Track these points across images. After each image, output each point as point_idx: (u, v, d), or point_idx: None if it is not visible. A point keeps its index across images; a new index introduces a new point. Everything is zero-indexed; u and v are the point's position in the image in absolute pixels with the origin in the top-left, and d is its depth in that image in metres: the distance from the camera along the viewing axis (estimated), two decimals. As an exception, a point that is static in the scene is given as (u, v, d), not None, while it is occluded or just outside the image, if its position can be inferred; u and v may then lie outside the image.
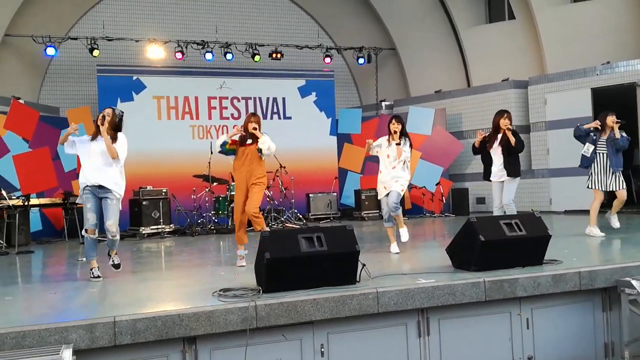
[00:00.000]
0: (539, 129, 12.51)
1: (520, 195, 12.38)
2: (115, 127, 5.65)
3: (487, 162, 7.20)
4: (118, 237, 5.67)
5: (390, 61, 15.32)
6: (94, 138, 5.62)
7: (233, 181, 11.24)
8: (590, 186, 7.53)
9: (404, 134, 6.76)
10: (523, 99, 12.87)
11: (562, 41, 12.54)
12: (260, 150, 6.17)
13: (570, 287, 4.88)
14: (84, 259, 7.56)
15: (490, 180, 7.14)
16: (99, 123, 5.55)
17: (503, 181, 7.03)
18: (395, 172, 6.72)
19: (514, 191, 6.96)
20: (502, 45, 13.56)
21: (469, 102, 13.56)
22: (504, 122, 7.00)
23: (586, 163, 7.55)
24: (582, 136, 7.61)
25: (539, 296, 4.84)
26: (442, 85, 14.17)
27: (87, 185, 5.53)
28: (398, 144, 6.66)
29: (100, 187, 5.51)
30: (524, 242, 5.09)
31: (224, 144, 6.24)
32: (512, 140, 6.90)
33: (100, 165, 5.52)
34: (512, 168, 6.97)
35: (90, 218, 5.51)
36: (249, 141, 6.20)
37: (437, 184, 12.92)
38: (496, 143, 7.05)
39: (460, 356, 4.65)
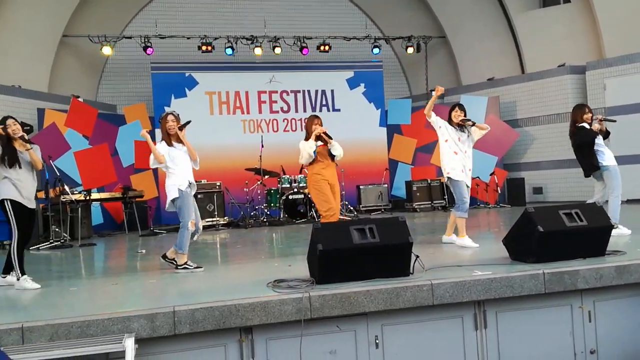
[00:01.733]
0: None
1: (581, 184, 12.01)
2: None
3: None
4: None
5: (440, 49, 15.05)
6: (169, 144, 5.80)
7: (284, 173, 11.39)
8: None
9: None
10: (580, 85, 12.40)
11: (620, 24, 11.98)
12: (332, 157, 6.37)
13: (635, 278, 4.68)
14: (143, 251, 7.85)
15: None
16: (173, 131, 5.76)
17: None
18: (468, 157, 6.48)
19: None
20: (557, 30, 13.08)
21: (524, 90, 13.18)
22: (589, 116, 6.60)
23: None
24: None
25: (601, 288, 4.66)
26: (495, 73, 13.81)
27: (188, 185, 5.77)
28: (473, 124, 6.45)
29: (192, 184, 5.82)
30: (585, 232, 4.91)
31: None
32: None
33: (187, 167, 5.82)
34: None
35: (192, 214, 5.77)
36: (319, 143, 6.37)
37: (491, 174, 12.63)
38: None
39: (519, 350, 4.54)
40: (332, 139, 6.37)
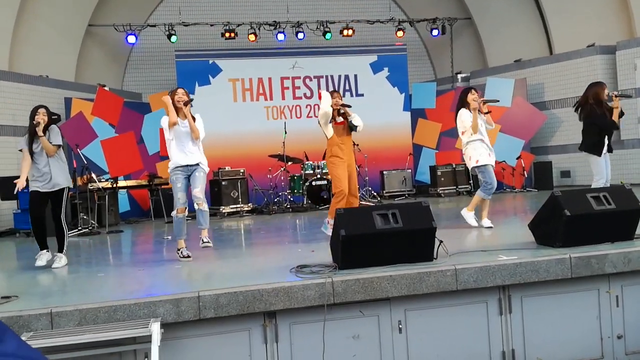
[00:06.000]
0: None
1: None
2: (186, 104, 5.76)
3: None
4: (206, 207, 5.71)
5: (465, 31, 14.80)
6: (173, 122, 5.76)
7: (307, 160, 11.39)
8: None
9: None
10: (611, 65, 12.08)
11: (654, 0, 11.61)
12: (354, 128, 6.26)
13: (666, 263, 4.57)
14: (169, 237, 7.94)
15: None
16: (179, 104, 5.68)
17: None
18: (488, 141, 6.56)
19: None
20: (587, 9, 12.71)
21: (552, 71, 12.89)
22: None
23: None
24: None
25: (629, 273, 4.58)
26: (522, 54, 13.53)
27: (177, 166, 5.70)
28: (488, 112, 6.53)
29: (189, 165, 5.70)
30: (613, 216, 4.81)
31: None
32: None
33: (189, 144, 5.70)
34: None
35: (180, 197, 5.67)
36: (340, 119, 6.30)
37: (517, 158, 12.44)
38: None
39: (544, 335, 4.49)
40: (350, 106, 6.30)
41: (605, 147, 6.48)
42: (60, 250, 5.71)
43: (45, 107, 5.74)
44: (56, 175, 5.61)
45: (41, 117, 5.59)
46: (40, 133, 5.53)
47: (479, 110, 6.48)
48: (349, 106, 6.32)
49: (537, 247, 4.95)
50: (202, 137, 5.75)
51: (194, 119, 5.75)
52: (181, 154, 5.69)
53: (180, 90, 5.83)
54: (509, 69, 13.48)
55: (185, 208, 5.70)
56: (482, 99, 6.60)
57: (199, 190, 5.64)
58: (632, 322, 4.62)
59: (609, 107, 6.50)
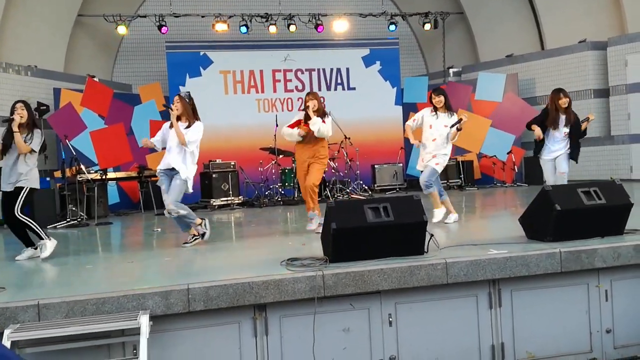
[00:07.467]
0: (619, 93, 11.78)
1: (599, 162, 11.82)
2: (193, 110, 5.87)
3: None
4: (181, 212, 5.74)
5: (457, 26, 14.79)
6: (172, 125, 5.82)
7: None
8: None
9: (448, 107, 6.61)
10: (602, 61, 12.12)
11: (645, -3, 11.66)
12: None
13: (655, 258, 4.60)
14: (159, 229, 7.90)
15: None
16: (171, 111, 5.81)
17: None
18: (435, 145, 6.52)
19: None
20: (578, 5, 12.73)
21: (543, 66, 12.92)
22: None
23: None
24: None
25: (619, 267, 4.60)
26: (514, 49, 13.54)
27: (160, 169, 5.86)
28: (458, 129, 6.51)
29: (172, 169, 5.76)
30: (603, 211, 4.82)
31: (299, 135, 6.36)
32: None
33: (174, 149, 5.77)
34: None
35: (164, 199, 5.84)
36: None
37: (508, 153, 12.48)
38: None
39: (533, 328, 4.51)
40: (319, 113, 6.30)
41: (549, 150, 6.57)
42: (41, 238, 5.59)
43: (24, 102, 5.60)
44: (18, 175, 5.47)
45: (19, 113, 5.46)
46: (15, 129, 5.41)
47: (436, 110, 6.60)
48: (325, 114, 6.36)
49: (528, 241, 4.96)
50: (191, 146, 5.76)
51: (189, 125, 5.80)
52: (165, 157, 5.83)
53: (175, 98, 5.92)
54: (501, 64, 13.50)
55: None
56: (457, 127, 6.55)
57: (171, 200, 5.71)
58: (621, 316, 4.65)
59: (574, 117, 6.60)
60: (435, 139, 6.53)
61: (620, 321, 4.65)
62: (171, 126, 5.81)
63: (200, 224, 5.91)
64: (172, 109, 5.76)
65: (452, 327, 4.38)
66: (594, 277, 4.62)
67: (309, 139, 6.35)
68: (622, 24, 12.09)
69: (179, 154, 5.75)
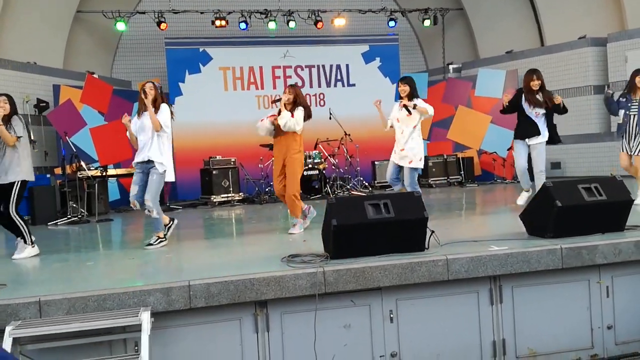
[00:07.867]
0: (619, 89, 11.73)
1: (600, 158, 11.82)
2: (156, 100, 5.70)
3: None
4: (156, 215, 5.68)
5: (457, 22, 14.76)
6: (139, 115, 5.74)
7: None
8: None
9: (414, 95, 6.49)
10: (602, 57, 12.11)
11: (646, -7, 11.64)
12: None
13: (656, 254, 4.60)
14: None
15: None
16: (142, 97, 5.67)
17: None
18: (404, 139, 6.47)
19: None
20: (578, 1, 12.72)
21: (543, 62, 12.87)
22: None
23: (620, 129, 7.06)
24: (612, 104, 7.11)
25: (620, 263, 4.60)
26: (514, 45, 13.53)
27: (137, 162, 5.74)
28: (406, 107, 6.47)
29: (149, 161, 5.66)
30: (604, 207, 4.82)
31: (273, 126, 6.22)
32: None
33: (147, 140, 5.66)
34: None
35: (132, 190, 5.72)
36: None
37: (508, 149, 12.45)
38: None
39: (535, 325, 4.51)
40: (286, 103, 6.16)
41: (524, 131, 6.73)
42: (26, 242, 5.51)
43: (7, 95, 5.55)
44: (7, 167, 5.42)
45: (1, 106, 5.40)
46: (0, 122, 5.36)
47: (404, 106, 6.48)
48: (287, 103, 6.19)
49: (528, 237, 4.96)
50: (168, 130, 5.66)
51: (157, 109, 5.64)
52: (140, 151, 5.71)
53: (147, 85, 5.75)
54: (501, 60, 13.48)
55: (136, 202, 5.74)
56: (403, 103, 6.55)
57: (149, 197, 5.60)
58: (622, 312, 4.65)
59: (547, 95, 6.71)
60: (403, 131, 6.52)
61: (621, 317, 4.65)
62: (139, 116, 5.70)
63: (168, 224, 5.85)
64: (146, 95, 5.62)
65: (453, 324, 4.39)
66: (594, 274, 4.62)
67: (281, 133, 6.18)
68: (622, 20, 12.07)
69: (155, 144, 5.64)
